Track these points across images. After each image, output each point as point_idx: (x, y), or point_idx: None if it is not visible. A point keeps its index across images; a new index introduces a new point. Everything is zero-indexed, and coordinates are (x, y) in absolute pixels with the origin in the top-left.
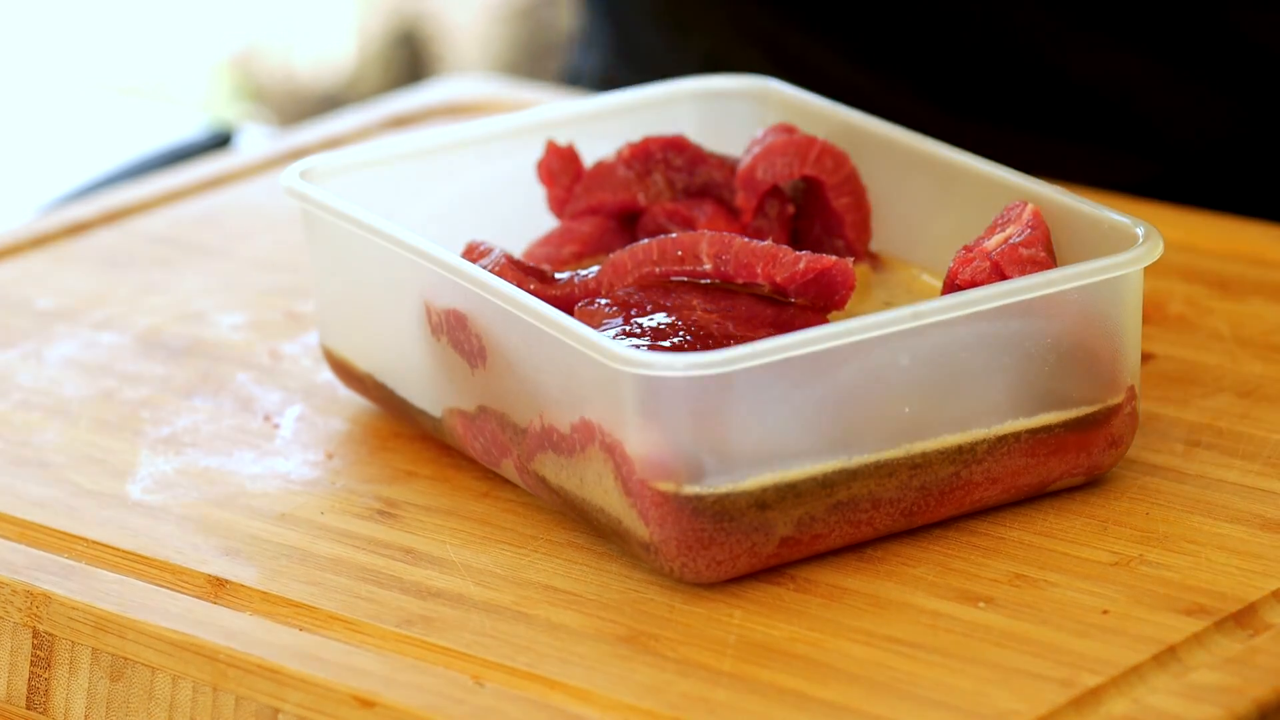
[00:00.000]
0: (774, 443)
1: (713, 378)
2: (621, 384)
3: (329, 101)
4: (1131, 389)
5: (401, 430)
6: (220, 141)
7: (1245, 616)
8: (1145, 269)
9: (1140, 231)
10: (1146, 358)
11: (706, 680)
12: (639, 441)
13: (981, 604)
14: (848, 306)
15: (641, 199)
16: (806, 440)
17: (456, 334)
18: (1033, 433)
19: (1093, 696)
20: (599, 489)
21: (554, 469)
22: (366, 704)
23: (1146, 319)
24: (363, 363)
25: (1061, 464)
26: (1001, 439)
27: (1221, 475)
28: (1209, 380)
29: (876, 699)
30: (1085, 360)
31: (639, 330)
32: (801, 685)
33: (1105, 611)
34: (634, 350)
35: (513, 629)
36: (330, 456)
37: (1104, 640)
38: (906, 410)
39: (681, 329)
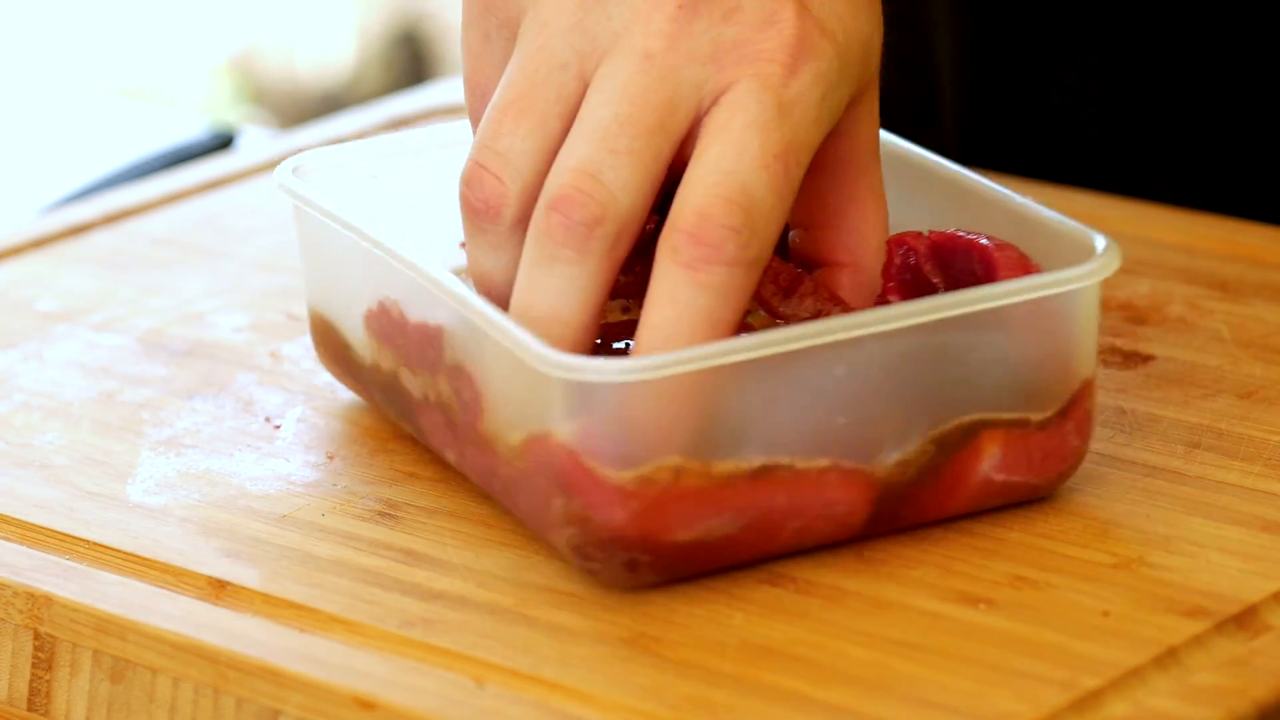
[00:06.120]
0: (703, 447)
1: (644, 383)
2: (553, 387)
3: (329, 103)
4: (1083, 402)
5: (402, 431)
6: (221, 143)
7: (1246, 618)
8: (1108, 278)
9: (1099, 244)
10: (1146, 359)
11: (707, 682)
12: (569, 443)
13: (982, 605)
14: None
15: None
16: (736, 445)
17: (401, 325)
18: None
19: (1093, 698)
20: (532, 487)
21: (496, 463)
22: (367, 705)
23: (1146, 320)
24: (345, 365)
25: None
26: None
27: (1222, 477)
28: (1209, 382)
29: (877, 700)
30: (1034, 375)
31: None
32: (802, 686)
33: (1106, 613)
34: (561, 354)
35: (514, 631)
36: (331, 458)
37: (1104, 642)
38: (841, 421)
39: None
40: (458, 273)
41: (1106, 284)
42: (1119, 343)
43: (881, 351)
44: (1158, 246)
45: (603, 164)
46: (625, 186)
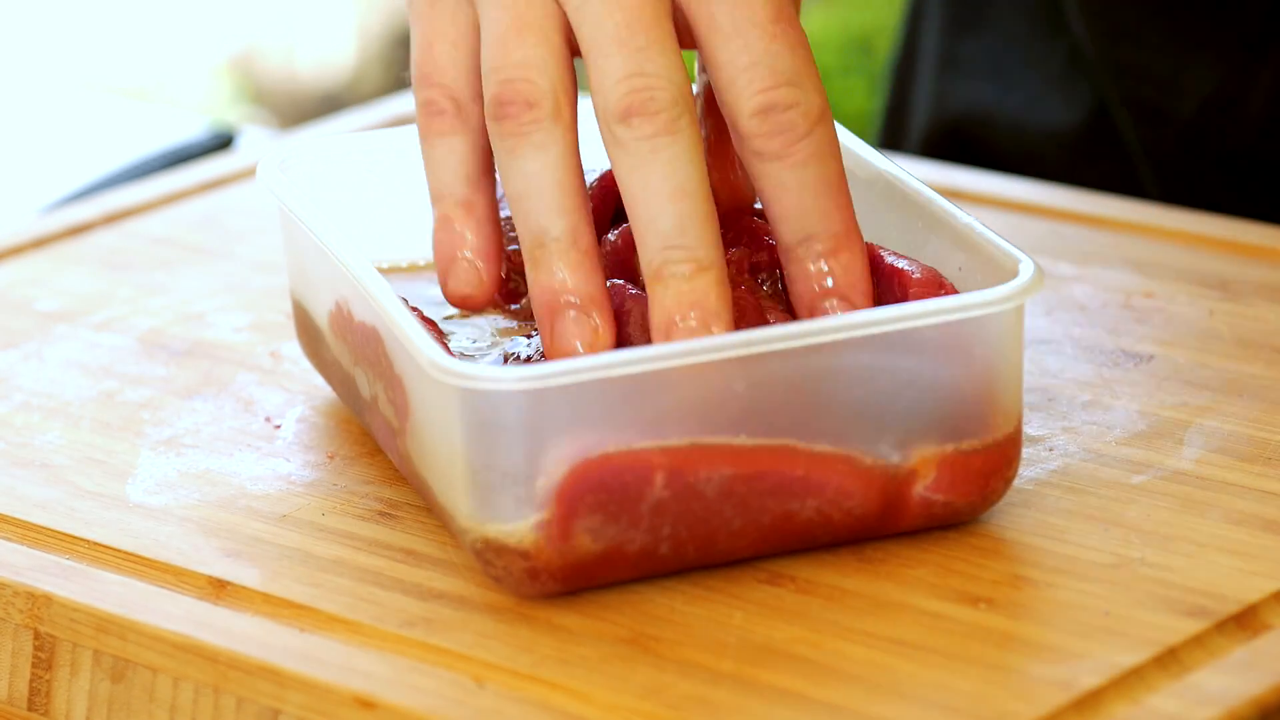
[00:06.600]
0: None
1: (542, 391)
2: (450, 395)
3: (329, 102)
4: (1009, 428)
5: None
6: (221, 143)
7: (1246, 618)
8: (1026, 300)
9: (1023, 268)
10: (1147, 359)
11: (707, 681)
12: (471, 451)
13: (982, 605)
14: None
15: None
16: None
17: (350, 323)
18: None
19: (1093, 698)
20: (448, 490)
21: (418, 463)
22: (367, 705)
23: (1147, 319)
24: (318, 356)
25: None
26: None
27: (1222, 476)
28: (1209, 382)
29: (877, 700)
30: (948, 398)
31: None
32: (802, 686)
33: (1106, 613)
34: (460, 362)
35: (514, 630)
36: (331, 458)
37: (1104, 641)
38: (742, 437)
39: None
40: (426, 266)
41: (1108, 284)
42: (1119, 343)
43: (782, 369)
44: (1158, 246)
45: (638, 63)
46: (668, 68)
